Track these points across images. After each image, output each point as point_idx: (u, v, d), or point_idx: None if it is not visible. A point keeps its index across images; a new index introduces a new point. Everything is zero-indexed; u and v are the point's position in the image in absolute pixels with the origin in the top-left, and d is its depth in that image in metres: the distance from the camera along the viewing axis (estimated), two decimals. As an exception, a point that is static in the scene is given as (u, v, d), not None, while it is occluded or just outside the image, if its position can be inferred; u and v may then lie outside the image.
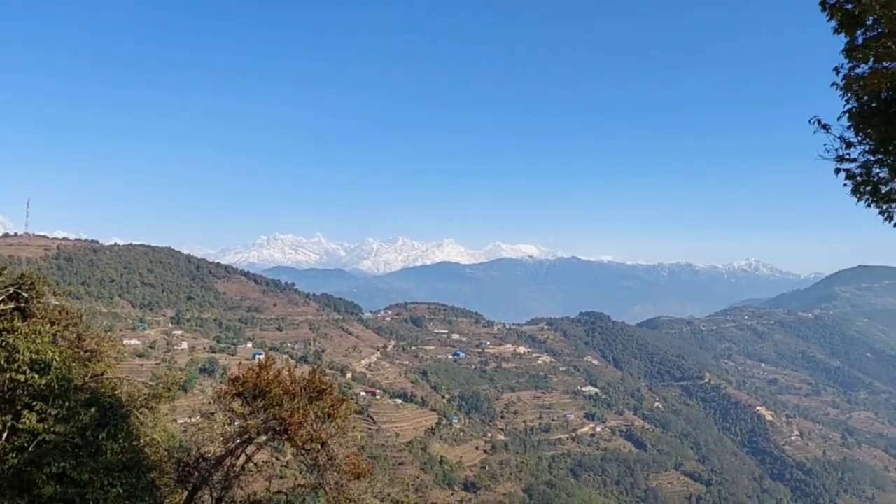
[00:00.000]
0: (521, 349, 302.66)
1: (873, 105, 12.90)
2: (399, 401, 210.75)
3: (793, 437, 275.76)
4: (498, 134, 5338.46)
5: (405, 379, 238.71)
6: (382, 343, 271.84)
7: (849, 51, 12.67)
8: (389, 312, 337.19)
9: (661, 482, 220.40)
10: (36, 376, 18.51)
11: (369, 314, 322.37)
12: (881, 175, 13.18)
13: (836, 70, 12.91)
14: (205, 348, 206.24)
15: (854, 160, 13.39)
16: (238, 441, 21.24)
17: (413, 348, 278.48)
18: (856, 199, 13.57)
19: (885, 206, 13.38)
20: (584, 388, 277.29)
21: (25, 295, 23.64)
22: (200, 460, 21.96)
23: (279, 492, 22.75)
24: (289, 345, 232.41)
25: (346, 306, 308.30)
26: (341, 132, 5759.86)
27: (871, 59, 12.31)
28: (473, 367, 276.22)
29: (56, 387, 18.55)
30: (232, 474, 21.80)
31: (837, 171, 13.52)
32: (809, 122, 13.38)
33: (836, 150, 13.35)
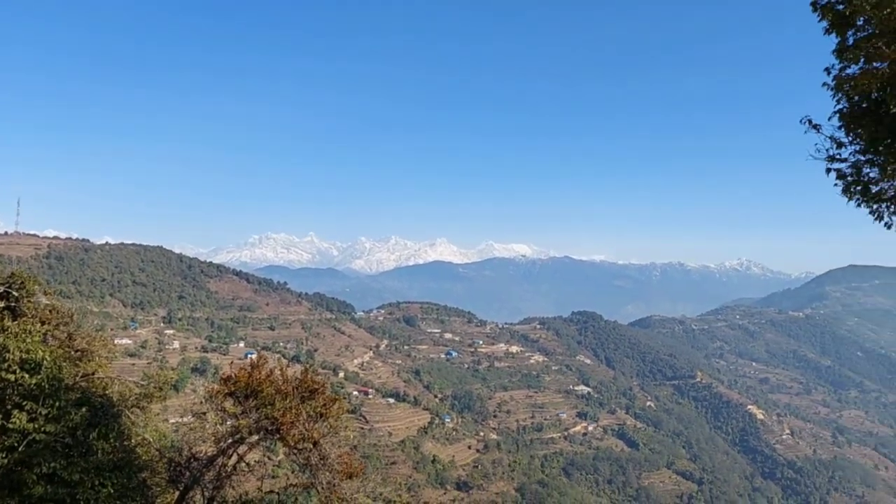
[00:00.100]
0: (514, 348, 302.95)
1: (864, 105, 12.97)
2: (391, 400, 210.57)
3: (784, 436, 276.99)
4: (491, 134, 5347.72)
5: (398, 378, 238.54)
6: (375, 342, 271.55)
7: (840, 51, 12.74)
8: (382, 312, 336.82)
9: (652, 481, 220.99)
10: (26, 376, 18.40)
11: (362, 313, 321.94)
12: (871, 175, 13.27)
13: (828, 70, 12.99)
14: (196, 348, 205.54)
15: (845, 160, 13.47)
16: (230, 441, 21.18)
17: (406, 348, 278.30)
18: (846, 199, 13.66)
19: (875, 206, 13.47)
20: (576, 388, 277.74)
21: (15, 294, 23.51)
22: (192, 460, 21.89)
23: (271, 491, 22.72)
24: (281, 344, 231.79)
25: (339, 305, 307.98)
26: (335, 131, 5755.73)
27: (862, 60, 12.38)
28: (466, 366, 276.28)
29: (46, 386, 18.45)
30: (224, 474, 21.75)
31: (828, 170, 13.60)
32: (801, 122, 13.47)
33: (827, 150, 13.43)
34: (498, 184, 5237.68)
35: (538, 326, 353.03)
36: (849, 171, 13.47)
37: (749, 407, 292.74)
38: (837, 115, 13.25)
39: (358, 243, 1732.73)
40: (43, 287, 26.82)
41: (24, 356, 18.74)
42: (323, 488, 20.34)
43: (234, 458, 21.81)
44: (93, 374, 23.71)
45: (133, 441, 22.24)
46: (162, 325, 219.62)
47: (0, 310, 22.49)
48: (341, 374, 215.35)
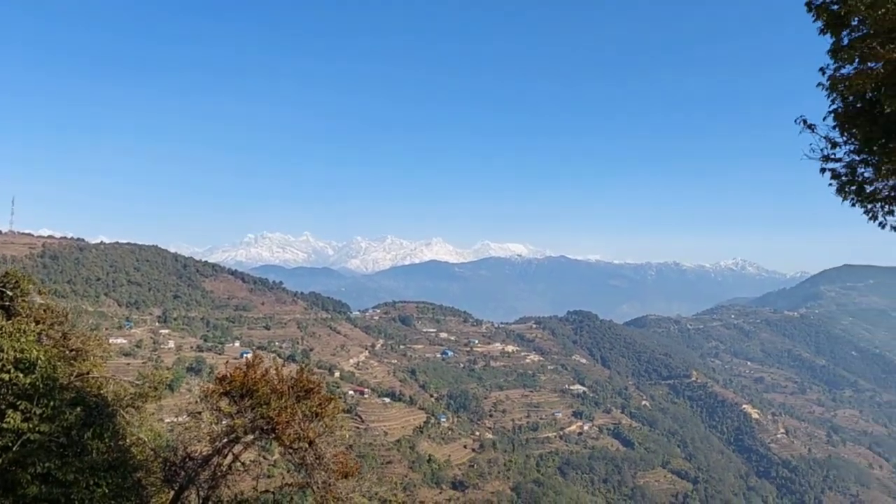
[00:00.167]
0: (510, 348, 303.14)
1: (858, 105, 13.02)
2: (387, 400, 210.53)
3: (778, 435, 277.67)
4: (487, 133, 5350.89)
5: (393, 378, 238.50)
6: (371, 342, 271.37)
7: (834, 51, 12.78)
8: (378, 311, 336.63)
9: (648, 480, 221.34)
10: (20, 375, 18.33)
11: (357, 313, 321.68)
12: (866, 175, 13.31)
13: (822, 70, 13.02)
14: (192, 347, 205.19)
15: (839, 160, 13.52)
16: (225, 440, 21.13)
17: (401, 347, 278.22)
18: (841, 199, 13.71)
19: (869, 206, 13.53)
20: (572, 387, 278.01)
21: (10, 293, 23.45)
22: (187, 459, 21.84)
23: (266, 491, 22.66)
24: (276, 344, 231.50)
25: (335, 305, 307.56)
26: (331, 131, 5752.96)
27: (857, 60, 12.42)
28: (462, 365, 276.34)
29: (41, 386, 18.38)
30: (219, 473, 21.70)
31: (823, 170, 13.64)
32: (795, 122, 13.51)
33: (822, 149, 13.48)
34: (494, 183, 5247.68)
35: (534, 326, 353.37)
36: (843, 170, 13.52)
37: (744, 406, 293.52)
38: (832, 115, 13.30)
39: (354, 243, 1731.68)
40: (37, 286, 26.75)
41: (18, 356, 18.67)
42: (318, 488, 20.31)
43: (230, 457, 21.77)
44: (87, 373, 23.63)
45: (128, 441, 22.17)
46: (157, 324, 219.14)
47: (-6, 309, 22.42)
48: (337, 374, 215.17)
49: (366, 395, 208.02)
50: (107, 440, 19.18)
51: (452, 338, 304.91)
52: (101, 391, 23.11)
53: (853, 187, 13.48)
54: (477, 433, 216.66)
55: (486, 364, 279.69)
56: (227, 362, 23.48)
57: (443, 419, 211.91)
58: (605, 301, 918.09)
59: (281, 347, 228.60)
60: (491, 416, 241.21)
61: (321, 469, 20.26)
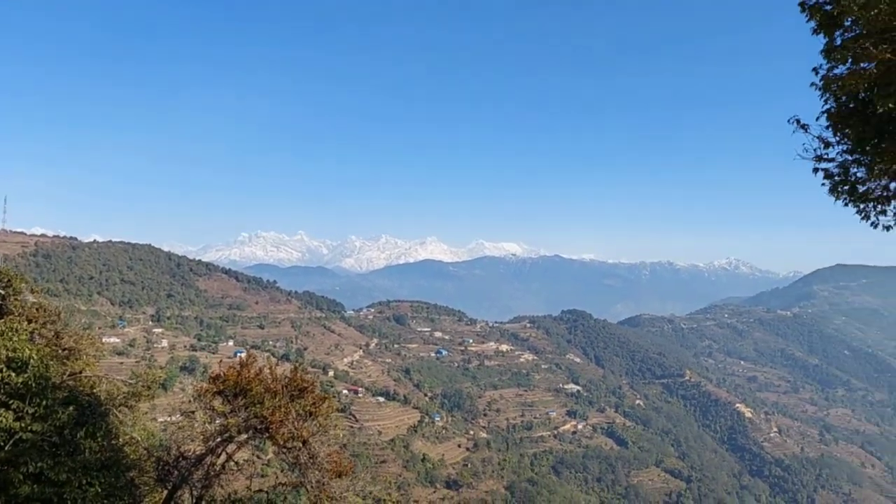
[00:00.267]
0: (504, 347, 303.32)
1: (851, 105, 13.05)
2: (381, 399, 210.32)
3: (771, 434, 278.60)
4: (481, 132, 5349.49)
5: (387, 377, 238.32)
6: (365, 341, 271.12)
7: (827, 51, 12.81)
8: (372, 310, 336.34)
9: (641, 479, 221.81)
10: (13, 374, 18.26)
11: (352, 312, 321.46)
12: (858, 175, 13.35)
13: (816, 70, 13.05)
14: (185, 346, 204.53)
15: (832, 160, 13.55)
16: (219, 439, 21.09)
17: (396, 346, 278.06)
18: (834, 199, 13.74)
19: (862, 206, 13.56)
20: (566, 386, 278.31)
21: (2, 292, 23.35)
22: (180, 459, 21.80)
23: (260, 490, 22.65)
24: (270, 343, 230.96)
25: (329, 304, 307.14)
26: (327, 130, 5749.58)
27: (850, 60, 12.45)
28: (456, 364, 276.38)
29: (33, 385, 18.31)
30: (212, 473, 21.66)
31: (816, 170, 13.67)
32: (789, 121, 13.53)
33: (815, 149, 13.50)
34: (488, 183, 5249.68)
35: (528, 325, 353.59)
36: (836, 170, 13.55)
37: (737, 405, 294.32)
38: (825, 114, 13.33)
39: (348, 242, 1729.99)
40: (30, 285, 26.66)
41: (10, 354, 18.60)
42: (312, 487, 20.29)
43: (223, 456, 21.73)
44: (80, 372, 23.58)
45: (121, 440, 22.14)
46: (150, 323, 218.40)
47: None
48: (331, 373, 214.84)
49: (360, 395, 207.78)
50: (100, 439, 19.13)
51: (447, 337, 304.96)
52: (94, 390, 23.06)
53: (846, 187, 13.51)
54: (471, 432, 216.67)
55: (481, 363, 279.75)
56: (220, 361, 23.39)
57: (437, 418, 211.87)
58: (600, 300, 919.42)
59: (275, 346, 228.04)
60: (485, 415, 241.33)
61: (315, 468, 20.25)
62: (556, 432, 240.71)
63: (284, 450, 20.59)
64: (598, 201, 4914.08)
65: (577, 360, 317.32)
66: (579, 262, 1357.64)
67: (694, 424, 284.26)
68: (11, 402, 17.99)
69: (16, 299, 23.88)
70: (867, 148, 12.96)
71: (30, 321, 23.30)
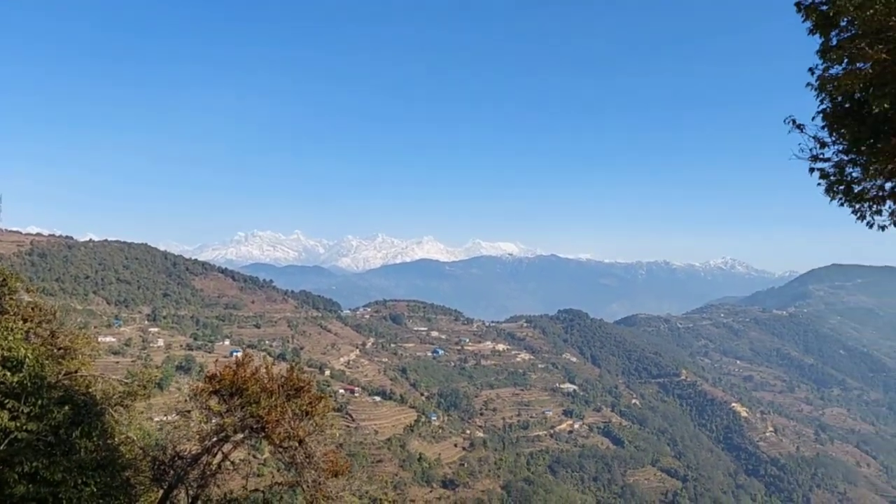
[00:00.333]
0: (500, 346, 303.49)
1: (847, 105, 13.08)
2: (378, 398, 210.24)
3: (767, 434, 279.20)
4: (481, 132, 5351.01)
5: (384, 376, 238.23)
6: (361, 340, 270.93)
7: (823, 52, 12.83)
8: (368, 310, 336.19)
9: (637, 478, 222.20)
10: (8, 374, 18.20)
11: (348, 311, 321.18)
12: (854, 174, 13.38)
13: (811, 70, 13.07)
14: (181, 346, 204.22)
15: (828, 160, 13.58)
16: (215, 439, 21.06)
17: (392, 346, 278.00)
18: (829, 199, 13.77)
19: (857, 206, 13.59)
20: (562, 386, 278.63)
21: (-3, 291, 23.26)
22: (176, 458, 21.76)
23: (256, 490, 22.60)
24: (267, 342, 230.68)
25: (325, 303, 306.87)
26: (324, 129, 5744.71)
27: (845, 60, 12.47)
28: (452, 364, 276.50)
29: (28, 384, 18.25)
30: (208, 472, 21.63)
31: (812, 170, 13.70)
32: (785, 122, 13.56)
33: (811, 149, 13.53)
34: (485, 182, 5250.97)
35: (524, 324, 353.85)
36: (832, 170, 13.58)
37: (733, 405, 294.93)
38: (821, 114, 13.36)
39: (344, 241, 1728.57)
40: (25, 284, 26.58)
41: (5, 354, 18.54)
42: (308, 486, 20.28)
43: (219, 456, 21.70)
44: (76, 371, 23.50)
45: (116, 439, 22.06)
46: (146, 322, 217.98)
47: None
48: (327, 373, 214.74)
49: (356, 394, 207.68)
50: (95, 439, 19.07)
51: (443, 336, 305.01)
52: (90, 389, 22.97)
53: (842, 187, 13.54)
54: (467, 432, 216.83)
55: (477, 363, 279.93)
56: (216, 361, 23.38)
57: (433, 418, 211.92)
58: (596, 300, 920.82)
59: (271, 346, 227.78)
60: (481, 414, 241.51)
61: (311, 468, 20.24)
62: (552, 431, 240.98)
63: (281, 449, 20.57)
64: (596, 201, 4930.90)
65: (574, 359, 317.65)
66: (576, 261, 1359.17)
67: (690, 424, 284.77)
68: (7, 401, 17.93)
69: (11, 298, 23.81)
70: (863, 148, 13.00)
71: (25, 320, 23.22)
